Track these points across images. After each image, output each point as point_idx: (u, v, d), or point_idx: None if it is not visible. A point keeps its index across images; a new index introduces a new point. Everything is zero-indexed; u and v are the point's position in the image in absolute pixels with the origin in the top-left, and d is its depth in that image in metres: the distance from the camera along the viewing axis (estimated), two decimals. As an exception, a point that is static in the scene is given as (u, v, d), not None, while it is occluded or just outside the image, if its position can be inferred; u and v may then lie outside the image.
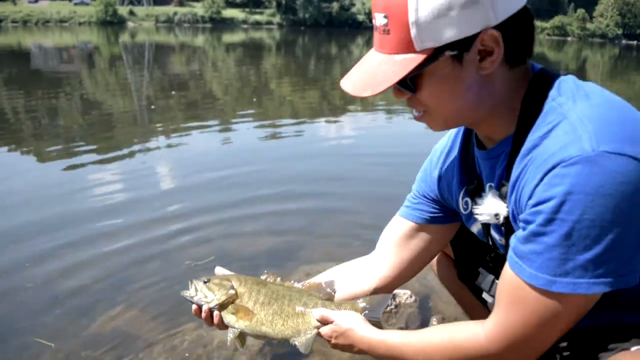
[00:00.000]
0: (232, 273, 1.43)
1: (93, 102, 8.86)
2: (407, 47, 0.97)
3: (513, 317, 1.02)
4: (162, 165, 4.95)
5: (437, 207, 1.40)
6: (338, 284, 1.43)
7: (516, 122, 1.05)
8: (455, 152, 1.31)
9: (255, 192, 3.93)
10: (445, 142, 1.37)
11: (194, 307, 1.36)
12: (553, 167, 0.91)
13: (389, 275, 1.46)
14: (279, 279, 1.41)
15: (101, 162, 4.93)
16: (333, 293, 1.39)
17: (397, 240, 1.46)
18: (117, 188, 4.15)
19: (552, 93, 0.99)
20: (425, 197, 1.42)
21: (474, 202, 1.19)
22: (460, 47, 0.97)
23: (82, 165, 4.77)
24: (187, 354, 2.02)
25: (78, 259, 2.84)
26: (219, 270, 1.47)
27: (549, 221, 0.92)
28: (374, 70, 1.02)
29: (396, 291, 2.19)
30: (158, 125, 6.96)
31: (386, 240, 1.49)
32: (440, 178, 1.36)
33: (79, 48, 24.41)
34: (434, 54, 0.97)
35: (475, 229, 1.32)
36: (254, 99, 9.38)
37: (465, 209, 1.28)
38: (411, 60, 0.97)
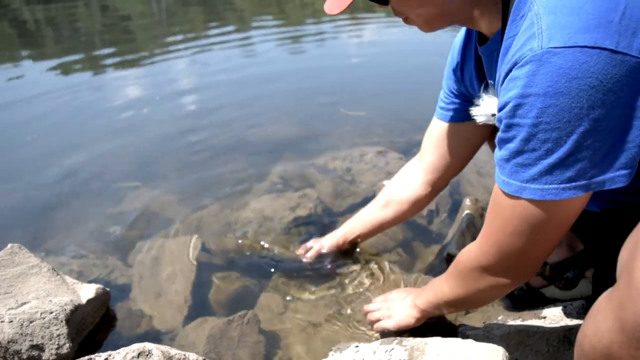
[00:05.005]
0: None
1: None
2: None
3: (494, 226, 1.02)
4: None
5: (469, 102, 1.34)
6: (394, 198, 1.64)
7: (501, 16, 0.99)
8: (473, 46, 1.25)
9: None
10: (462, 35, 1.31)
11: None
12: (510, 70, 0.87)
13: (435, 177, 1.55)
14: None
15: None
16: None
17: (437, 143, 1.49)
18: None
19: None
20: (454, 93, 1.40)
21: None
22: None
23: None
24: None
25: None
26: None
27: (509, 126, 0.89)
28: None
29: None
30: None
31: (427, 144, 1.54)
32: (462, 74, 1.32)
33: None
34: None
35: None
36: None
37: None
38: None
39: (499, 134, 0.92)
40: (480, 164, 2.36)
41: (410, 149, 2.63)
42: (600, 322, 0.78)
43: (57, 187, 2.56)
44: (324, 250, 1.80)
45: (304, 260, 1.82)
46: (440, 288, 1.27)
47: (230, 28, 7.31)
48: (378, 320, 1.45)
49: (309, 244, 1.85)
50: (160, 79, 4.55)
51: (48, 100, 3.98)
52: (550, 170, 0.86)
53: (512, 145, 0.89)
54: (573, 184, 0.86)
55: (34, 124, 3.45)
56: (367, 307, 1.53)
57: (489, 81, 1.15)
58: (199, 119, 3.41)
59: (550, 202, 0.89)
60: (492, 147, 1.61)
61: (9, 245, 1.64)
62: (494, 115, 1.08)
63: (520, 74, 0.84)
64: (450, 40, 1.38)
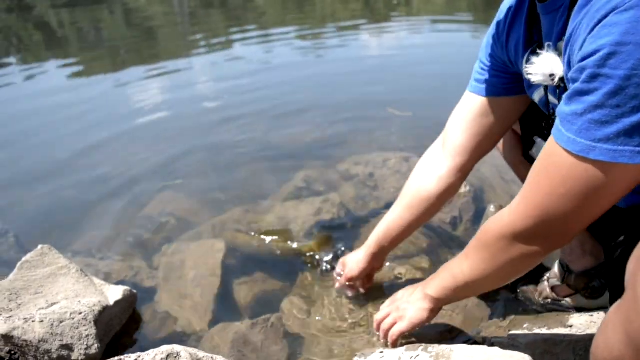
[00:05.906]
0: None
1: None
2: None
3: (539, 187, 0.95)
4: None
5: (508, 75, 1.29)
6: (419, 195, 1.51)
7: None
8: (524, 9, 1.18)
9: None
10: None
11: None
12: (605, 16, 0.79)
13: (464, 160, 1.44)
14: None
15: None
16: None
17: (469, 121, 1.40)
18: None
19: None
20: (493, 63, 1.32)
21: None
22: None
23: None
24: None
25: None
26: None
27: (593, 77, 0.80)
28: None
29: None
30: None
31: (456, 123, 1.44)
32: (508, 39, 1.25)
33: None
34: None
35: (537, 96, 1.21)
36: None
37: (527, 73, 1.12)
38: None
39: (576, 85, 0.85)
40: (504, 170, 2.34)
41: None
42: (610, 334, 0.78)
43: (85, 189, 2.61)
44: (354, 274, 1.65)
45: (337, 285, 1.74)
46: (460, 268, 1.20)
47: (253, 30, 7.38)
48: (391, 329, 1.35)
49: (337, 270, 1.74)
50: (186, 81, 4.61)
51: (71, 102, 4.07)
52: (630, 130, 0.79)
53: (592, 99, 0.82)
54: None
55: (59, 126, 3.54)
56: (376, 318, 1.42)
57: (549, 43, 1.07)
58: (226, 122, 3.42)
59: (618, 166, 0.82)
60: (507, 156, 1.61)
61: (40, 247, 1.67)
62: (552, 75, 1.02)
63: (621, 20, 0.77)
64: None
